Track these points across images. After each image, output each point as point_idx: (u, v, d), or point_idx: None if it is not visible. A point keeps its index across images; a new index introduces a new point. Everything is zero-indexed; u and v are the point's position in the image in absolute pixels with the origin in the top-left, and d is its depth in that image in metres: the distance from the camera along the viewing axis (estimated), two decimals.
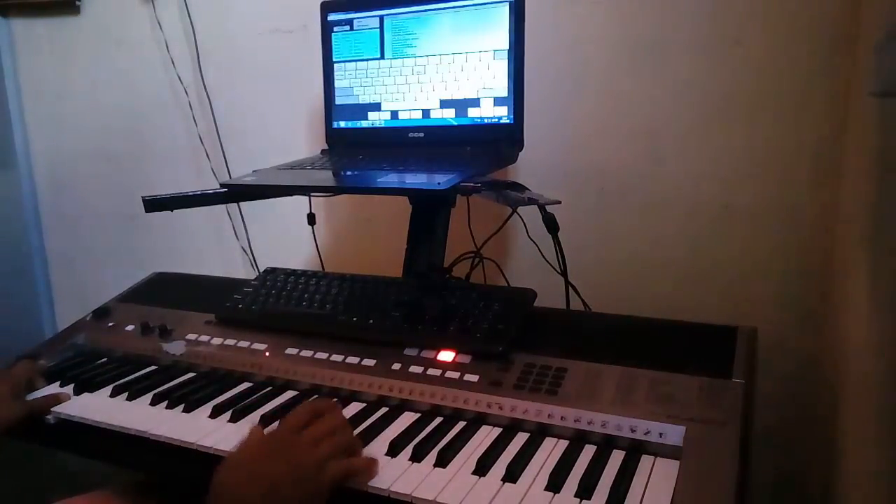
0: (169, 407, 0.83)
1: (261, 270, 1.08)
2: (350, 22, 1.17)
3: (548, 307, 0.93)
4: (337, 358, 0.87)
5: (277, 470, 0.61)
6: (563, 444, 0.71)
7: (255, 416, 0.79)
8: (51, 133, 1.84)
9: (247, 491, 0.60)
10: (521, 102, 1.06)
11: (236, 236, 1.64)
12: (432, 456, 0.69)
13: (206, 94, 1.60)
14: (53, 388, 0.91)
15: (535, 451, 0.69)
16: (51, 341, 1.07)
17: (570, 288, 1.08)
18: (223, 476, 0.61)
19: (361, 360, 0.86)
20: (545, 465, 0.67)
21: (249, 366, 0.91)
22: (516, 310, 0.87)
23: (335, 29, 1.19)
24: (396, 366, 0.84)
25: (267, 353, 0.92)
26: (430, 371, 0.82)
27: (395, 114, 1.16)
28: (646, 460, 0.67)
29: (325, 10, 1.19)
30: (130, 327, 1.04)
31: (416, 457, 0.69)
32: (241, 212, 1.61)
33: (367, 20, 1.15)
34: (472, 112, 1.09)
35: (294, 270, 1.05)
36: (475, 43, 1.07)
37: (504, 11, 1.04)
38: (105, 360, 0.99)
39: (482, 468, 0.66)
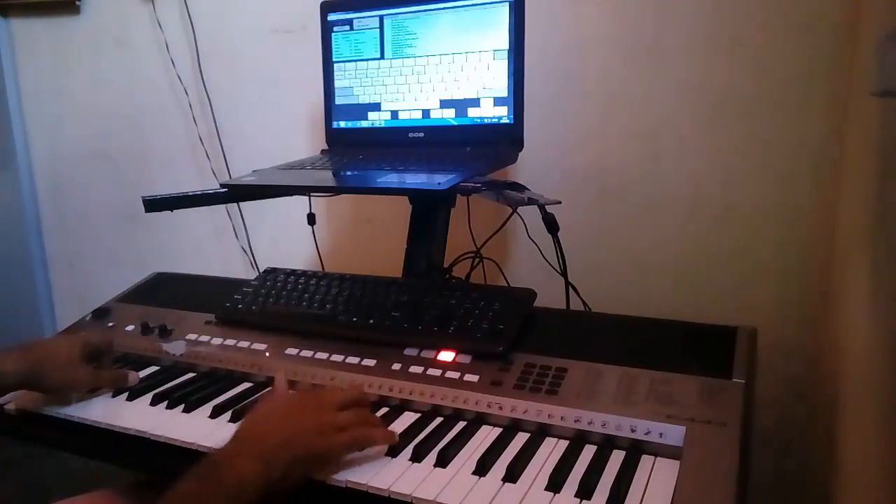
0: (169, 407, 0.83)
1: (261, 270, 1.08)
2: (350, 22, 1.17)
3: (548, 307, 0.93)
4: (337, 358, 0.87)
5: (302, 422, 0.66)
6: (564, 444, 0.71)
7: None
8: (51, 133, 1.84)
9: (270, 433, 0.65)
10: (521, 102, 1.06)
11: (236, 236, 1.64)
12: (432, 456, 0.69)
13: (206, 94, 1.60)
14: None
15: (535, 451, 0.69)
16: None
17: (570, 288, 1.08)
18: (252, 418, 0.68)
19: (361, 360, 0.86)
20: (545, 465, 0.67)
21: (249, 366, 0.91)
22: (516, 310, 0.87)
23: (335, 29, 1.19)
24: (396, 366, 0.84)
25: (267, 353, 0.92)
26: (431, 371, 0.82)
27: (395, 114, 1.16)
28: (646, 460, 0.67)
29: (325, 10, 1.19)
30: (130, 327, 1.04)
31: (417, 457, 0.69)
32: (241, 212, 1.61)
33: (366, 20, 1.15)
34: (472, 112, 1.09)
35: (294, 270, 1.05)
36: (475, 43, 1.07)
37: (504, 11, 1.04)
38: None
39: (482, 468, 0.66)
